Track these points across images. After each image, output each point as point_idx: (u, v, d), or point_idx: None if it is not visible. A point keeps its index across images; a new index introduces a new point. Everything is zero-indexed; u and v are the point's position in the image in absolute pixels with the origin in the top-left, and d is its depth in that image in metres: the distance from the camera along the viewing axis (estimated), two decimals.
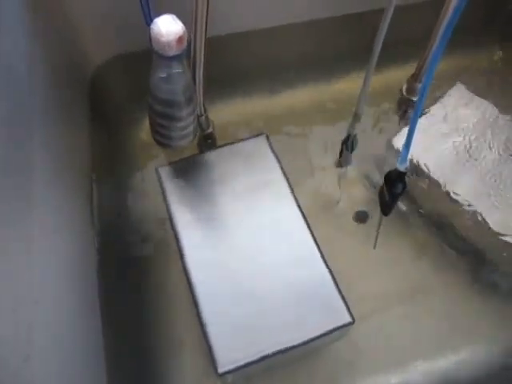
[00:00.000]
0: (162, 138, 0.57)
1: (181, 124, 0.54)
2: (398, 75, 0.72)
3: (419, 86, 0.67)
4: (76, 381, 0.45)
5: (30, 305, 0.38)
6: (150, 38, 0.45)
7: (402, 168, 0.45)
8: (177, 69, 0.48)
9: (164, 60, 0.46)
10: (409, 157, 0.59)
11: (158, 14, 0.45)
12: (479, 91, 0.66)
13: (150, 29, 0.44)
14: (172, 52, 0.45)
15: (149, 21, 0.46)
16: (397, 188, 0.47)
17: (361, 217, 0.65)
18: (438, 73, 0.72)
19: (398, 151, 0.60)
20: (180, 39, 0.44)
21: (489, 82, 0.73)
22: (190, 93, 0.52)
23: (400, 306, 0.60)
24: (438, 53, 0.38)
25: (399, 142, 0.61)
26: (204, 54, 0.54)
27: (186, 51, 0.47)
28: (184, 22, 0.45)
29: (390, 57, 0.66)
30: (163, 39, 0.44)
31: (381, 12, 0.51)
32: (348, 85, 0.74)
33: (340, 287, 0.53)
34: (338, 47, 0.73)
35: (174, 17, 0.45)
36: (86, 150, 0.64)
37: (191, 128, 0.56)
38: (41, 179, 0.47)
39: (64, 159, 0.56)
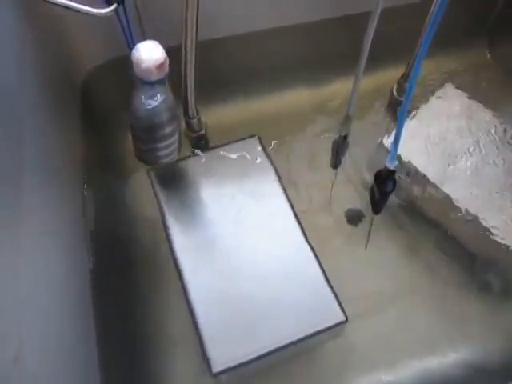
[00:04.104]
0: (146, 156, 0.56)
1: (164, 143, 0.54)
2: (389, 76, 0.73)
3: (408, 85, 0.68)
4: (68, 381, 0.45)
5: (19, 306, 0.38)
6: (131, 63, 0.45)
7: (391, 166, 0.45)
8: (158, 93, 0.48)
9: (145, 85, 0.47)
10: (402, 158, 0.61)
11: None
12: (469, 91, 0.67)
13: (131, 54, 0.45)
14: (153, 78, 0.45)
15: (131, 46, 0.46)
16: (387, 187, 0.47)
17: (353, 217, 0.66)
18: (429, 73, 0.74)
19: (389, 151, 0.61)
20: (161, 65, 0.45)
21: (478, 82, 0.74)
22: (172, 113, 0.51)
23: (392, 305, 0.60)
24: (423, 53, 0.38)
25: (390, 141, 0.62)
26: (195, 57, 0.55)
27: (168, 74, 0.47)
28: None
29: (381, 58, 0.67)
30: (144, 65, 0.44)
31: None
32: (340, 86, 0.75)
33: (333, 287, 0.53)
34: (330, 49, 0.74)
35: (156, 43, 0.45)
36: (78, 152, 0.64)
37: (175, 145, 0.56)
38: (31, 180, 0.48)
39: (55, 161, 0.57)
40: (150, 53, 0.44)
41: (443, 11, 0.36)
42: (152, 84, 0.46)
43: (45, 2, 0.41)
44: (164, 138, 0.53)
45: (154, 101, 0.48)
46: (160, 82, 0.46)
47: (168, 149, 0.55)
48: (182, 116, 0.63)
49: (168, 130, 0.52)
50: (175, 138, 0.55)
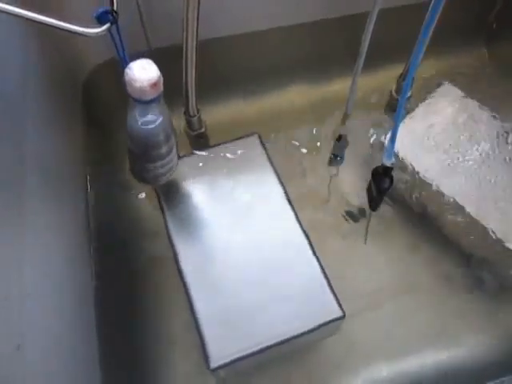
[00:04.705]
0: (142, 175, 0.55)
1: (160, 162, 0.53)
2: (388, 76, 0.73)
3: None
4: (68, 369, 0.46)
5: (22, 295, 0.39)
6: (124, 83, 0.44)
7: (388, 163, 0.46)
8: (153, 112, 0.46)
9: (140, 104, 0.45)
10: (400, 156, 0.62)
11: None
12: (467, 90, 0.67)
13: (124, 73, 0.43)
14: (146, 97, 0.44)
15: (124, 65, 0.44)
16: (384, 183, 0.48)
17: (352, 215, 0.66)
18: (427, 73, 0.75)
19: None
20: (154, 85, 0.43)
21: (476, 81, 0.74)
22: (168, 131, 0.50)
23: (391, 301, 0.61)
24: (419, 51, 0.39)
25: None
26: (196, 57, 0.55)
27: (163, 93, 0.45)
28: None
29: (380, 58, 0.68)
30: (137, 85, 0.43)
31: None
32: (340, 85, 0.75)
33: (332, 283, 0.54)
34: (330, 49, 0.75)
35: (150, 61, 0.44)
36: (80, 152, 0.65)
37: (172, 164, 0.55)
38: (34, 179, 0.48)
39: (57, 160, 0.57)
40: (143, 72, 0.43)
41: (438, 13, 0.37)
42: (147, 103, 0.45)
43: (35, 22, 0.38)
44: (161, 157, 0.52)
45: (150, 120, 0.47)
46: (155, 100, 0.45)
47: (165, 167, 0.54)
48: (182, 115, 0.64)
49: (164, 149, 0.51)
50: (172, 156, 0.53)
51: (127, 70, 0.43)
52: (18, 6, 0.37)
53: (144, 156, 0.52)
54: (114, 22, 0.42)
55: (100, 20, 0.41)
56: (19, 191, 0.45)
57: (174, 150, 0.54)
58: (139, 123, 0.47)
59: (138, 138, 0.49)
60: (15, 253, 0.41)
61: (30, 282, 0.41)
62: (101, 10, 0.41)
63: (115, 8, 0.42)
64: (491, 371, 0.54)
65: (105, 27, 0.42)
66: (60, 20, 0.40)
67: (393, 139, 0.44)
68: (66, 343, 0.47)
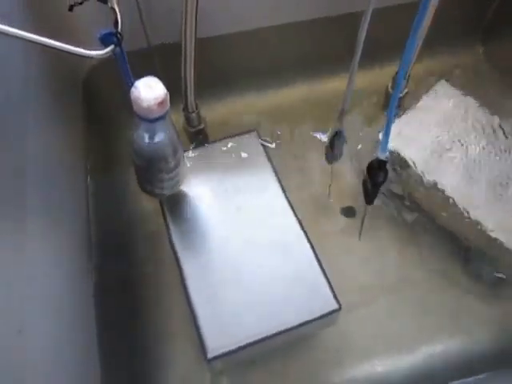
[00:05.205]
0: (149, 189, 0.55)
1: (168, 176, 0.53)
2: (386, 73, 0.74)
3: (403, 82, 0.69)
4: (68, 355, 0.46)
5: (23, 280, 0.40)
6: (131, 101, 0.43)
7: (382, 157, 0.47)
8: (160, 129, 0.46)
9: (146, 122, 0.45)
10: (396, 151, 0.62)
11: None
12: (463, 88, 0.68)
13: (130, 92, 0.43)
14: (153, 115, 0.43)
15: (129, 83, 0.44)
16: (378, 177, 0.48)
17: (349, 211, 0.67)
18: (424, 70, 0.76)
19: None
20: (161, 103, 0.43)
21: (473, 79, 0.75)
22: (175, 145, 0.50)
23: (387, 296, 0.61)
24: (412, 46, 0.39)
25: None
26: (194, 53, 0.56)
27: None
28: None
29: (378, 56, 0.69)
30: (143, 104, 0.42)
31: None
32: (338, 83, 0.76)
33: (328, 277, 0.54)
34: (329, 47, 0.75)
35: (156, 80, 0.43)
36: (81, 149, 0.66)
37: (179, 176, 0.55)
38: (34, 178, 0.49)
39: (58, 157, 0.58)
40: (149, 91, 0.42)
41: (426, 11, 0.38)
42: (153, 121, 0.44)
43: (36, 44, 0.38)
44: (168, 171, 0.52)
45: (156, 138, 0.46)
46: (161, 118, 0.44)
47: (172, 180, 0.54)
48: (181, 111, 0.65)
49: (172, 163, 0.51)
50: (179, 168, 0.53)
51: (133, 89, 0.42)
52: (21, 29, 0.37)
53: (151, 171, 0.51)
54: (118, 43, 0.41)
55: (104, 41, 0.41)
56: (20, 188, 0.46)
57: (182, 163, 0.54)
58: (145, 140, 0.46)
59: (144, 155, 0.49)
60: (16, 241, 0.42)
61: (31, 265, 0.42)
62: (105, 31, 0.41)
63: (119, 29, 0.42)
64: (485, 365, 0.55)
65: (109, 49, 0.41)
66: (64, 41, 0.39)
67: (386, 133, 0.44)
68: (65, 338, 0.48)
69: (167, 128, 0.47)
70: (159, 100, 0.43)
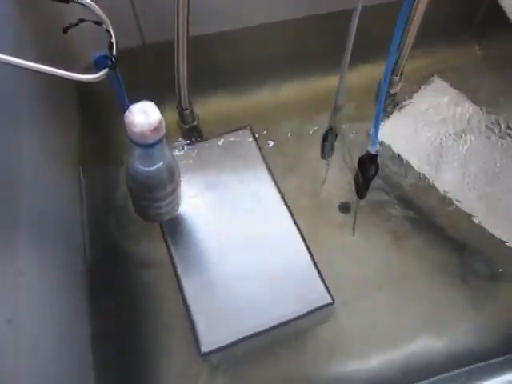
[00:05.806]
0: (146, 213, 0.55)
1: (165, 201, 0.52)
2: (378, 69, 0.74)
3: (395, 78, 0.70)
4: (61, 353, 0.47)
5: (15, 273, 0.40)
6: (124, 126, 0.42)
7: (373, 151, 0.47)
8: (156, 155, 0.45)
9: (141, 148, 0.44)
10: (391, 149, 0.63)
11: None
12: (457, 85, 0.68)
13: (124, 116, 0.42)
14: (147, 141, 0.42)
15: (125, 106, 0.43)
16: (369, 171, 0.49)
17: (343, 207, 0.67)
18: (417, 67, 0.76)
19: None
20: (155, 129, 0.41)
21: (466, 76, 0.75)
22: (172, 170, 0.49)
23: (381, 291, 0.61)
24: (396, 42, 0.40)
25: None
26: (187, 51, 0.57)
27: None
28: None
29: (371, 52, 0.69)
30: (137, 130, 0.41)
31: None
32: (333, 81, 0.76)
33: (322, 273, 0.54)
34: (323, 44, 0.75)
35: (152, 104, 0.42)
36: (75, 147, 0.66)
37: (176, 201, 0.54)
38: (30, 177, 0.49)
39: (52, 154, 0.58)
40: (144, 116, 0.41)
41: (411, 5, 0.38)
42: (148, 147, 0.43)
43: (29, 70, 0.38)
44: (165, 197, 0.51)
45: (152, 164, 0.45)
46: (156, 143, 0.43)
47: (169, 206, 0.53)
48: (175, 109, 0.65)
49: (169, 189, 0.50)
50: (176, 193, 0.53)
51: (127, 114, 0.42)
52: (14, 56, 0.37)
53: (148, 197, 0.50)
54: (113, 67, 0.41)
55: (98, 65, 0.40)
56: (13, 190, 0.46)
57: (179, 188, 0.53)
58: (141, 166, 0.45)
59: (140, 181, 0.48)
60: (8, 241, 0.42)
61: (24, 259, 0.42)
62: (99, 54, 0.40)
63: (114, 52, 0.41)
64: (478, 358, 0.55)
65: (102, 73, 0.40)
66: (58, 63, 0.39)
67: (376, 126, 0.45)
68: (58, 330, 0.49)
69: (163, 154, 0.46)
70: (153, 126, 0.41)
